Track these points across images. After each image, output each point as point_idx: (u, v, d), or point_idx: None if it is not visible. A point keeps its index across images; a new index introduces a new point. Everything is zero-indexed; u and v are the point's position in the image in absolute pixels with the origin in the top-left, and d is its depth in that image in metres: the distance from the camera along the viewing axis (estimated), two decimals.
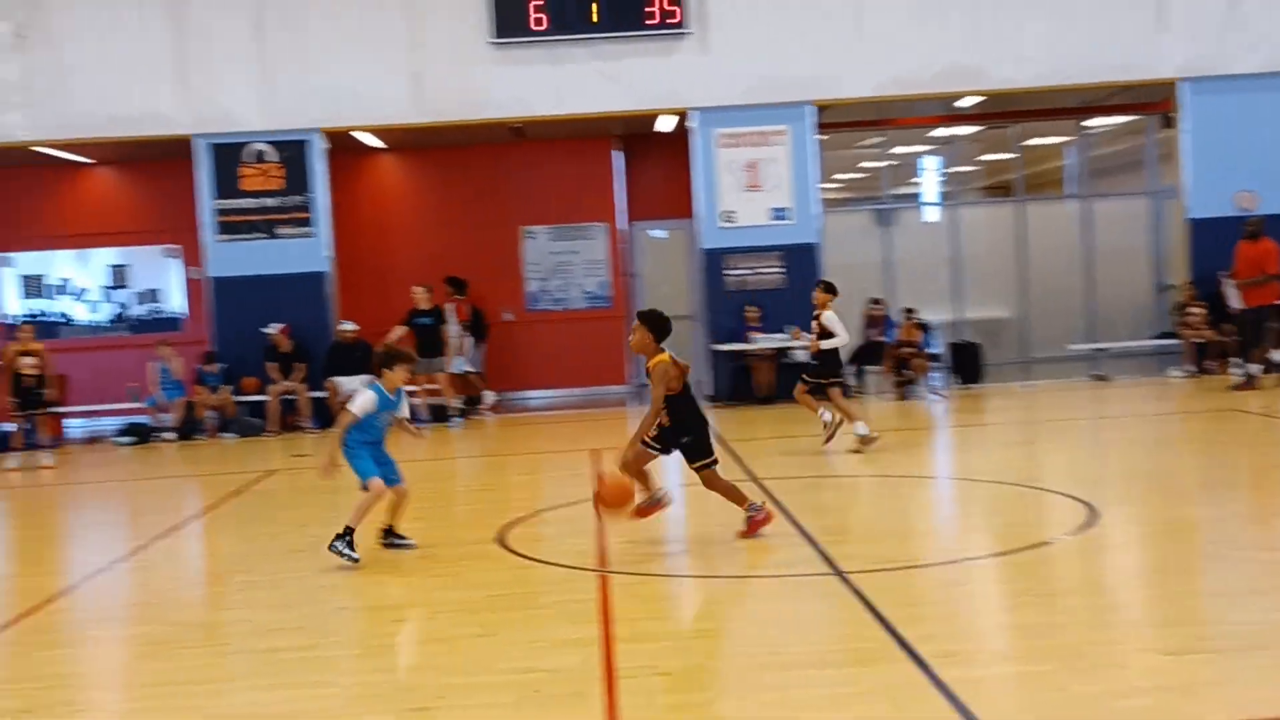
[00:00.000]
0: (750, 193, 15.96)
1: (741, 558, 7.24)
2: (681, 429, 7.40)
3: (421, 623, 6.33)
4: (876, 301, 16.99)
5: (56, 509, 11.41)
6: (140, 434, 15.28)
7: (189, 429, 15.32)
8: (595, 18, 15.37)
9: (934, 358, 16.46)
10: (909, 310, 16.35)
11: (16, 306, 18.17)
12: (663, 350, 7.36)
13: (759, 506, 7.54)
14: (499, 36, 15.35)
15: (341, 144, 16.35)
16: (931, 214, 19.38)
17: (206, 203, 15.73)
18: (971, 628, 5.65)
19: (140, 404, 15.89)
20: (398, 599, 6.83)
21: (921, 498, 9.47)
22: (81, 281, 18.41)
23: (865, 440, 10.92)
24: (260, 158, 15.70)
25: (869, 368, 16.68)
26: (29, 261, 18.19)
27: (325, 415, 15.30)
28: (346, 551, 7.20)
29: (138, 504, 11.43)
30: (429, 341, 15.32)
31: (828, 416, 10.98)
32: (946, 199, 19.50)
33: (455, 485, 11.52)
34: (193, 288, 17.77)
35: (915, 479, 10.11)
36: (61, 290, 18.39)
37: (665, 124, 16.91)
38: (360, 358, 15.50)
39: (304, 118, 15.59)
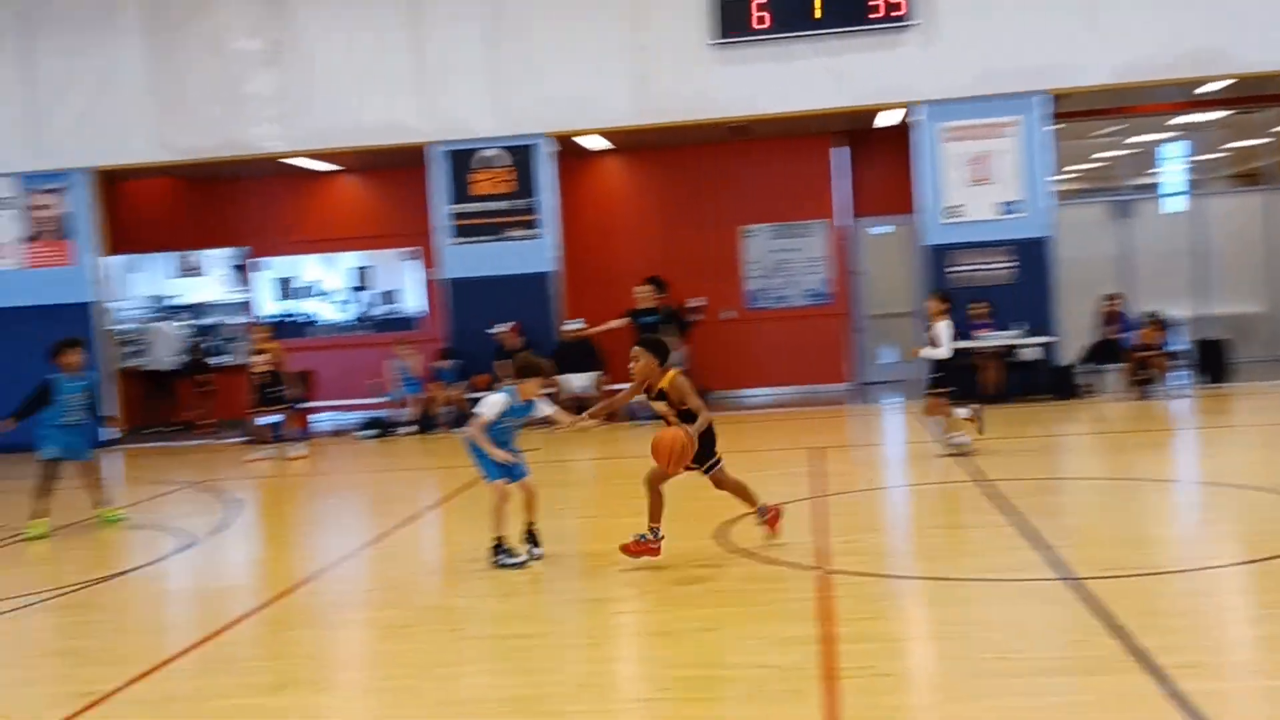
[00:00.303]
0: (977, 186, 15.57)
1: (968, 561, 7.10)
2: (704, 437, 7.33)
3: (645, 615, 6.46)
4: (1112, 297, 16.31)
5: (305, 499, 12.12)
6: (381, 428, 16.05)
7: (426, 423, 16.00)
8: (818, 14, 15.29)
9: (1175, 356, 15.69)
10: (1150, 313, 15.64)
11: (271, 307, 19.38)
12: (666, 371, 7.30)
13: (655, 534, 7.36)
14: (721, 37, 15.45)
15: (567, 147, 16.77)
16: (1173, 204, 18.45)
17: (441, 207, 16.40)
18: (1215, 639, 5.40)
19: (381, 399, 16.70)
20: (621, 592, 6.98)
21: (1161, 502, 9.05)
22: (328, 283, 19.49)
23: (958, 448, 11.03)
24: (491, 163, 16.26)
25: (1104, 366, 16.02)
26: (282, 265, 19.38)
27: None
28: (510, 561, 7.37)
29: (379, 494, 12.03)
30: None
31: (964, 412, 11.10)
32: (1190, 189, 18.53)
33: (676, 482, 11.63)
34: (429, 288, 18.58)
35: (1155, 482, 9.68)
36: (310, 292, 19.52)
37: (888, 118, 16.66)
38: (585, 356, 15.91)
39: (532, 123, 16.06)
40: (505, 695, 5.11)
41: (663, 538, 7.33)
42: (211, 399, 18.16)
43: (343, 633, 6.49)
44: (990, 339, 15.33)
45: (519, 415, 7.59)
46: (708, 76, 15.63)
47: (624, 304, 16.13)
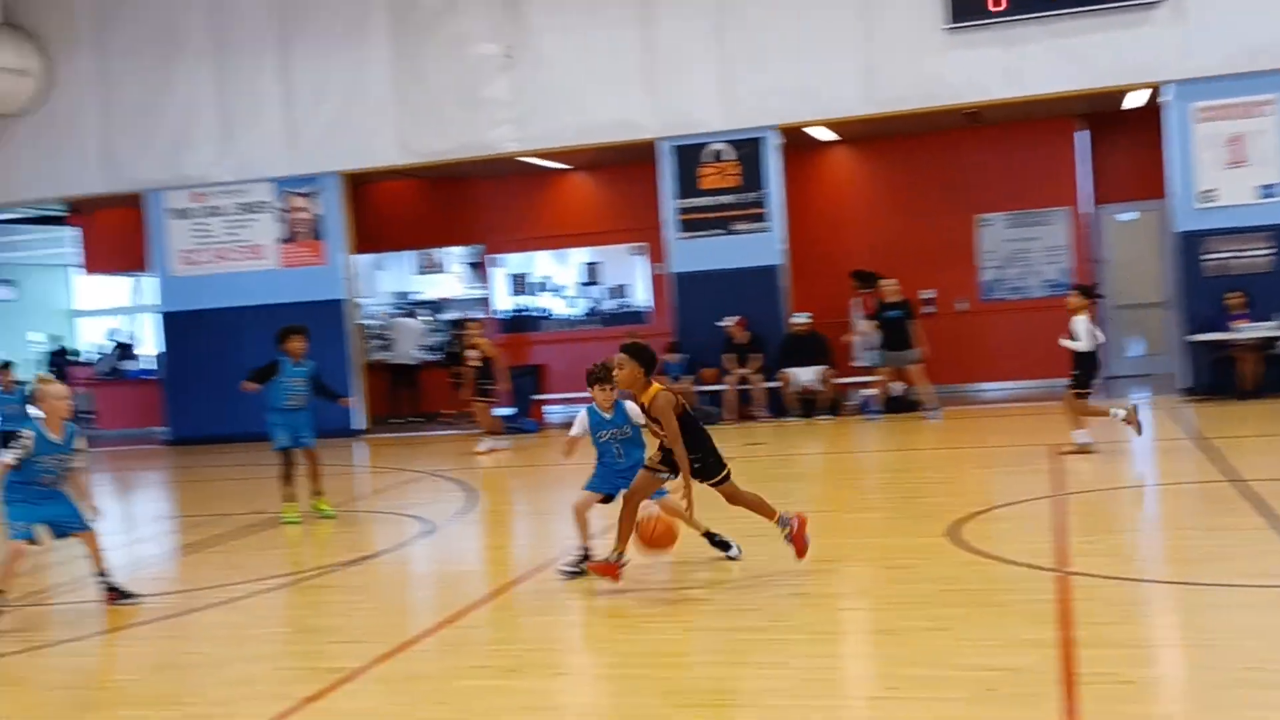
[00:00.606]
0: (1233, 169, 14.67)
1: (1219, 565, 6.70)
2: (704, 449, 6.90)
3: (873, 613, 6.37)
4: None
5: (537, 487, 12.46)
6: None
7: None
8: None
9: None
10: None
11: (505, 303, 20.01)
12: (651, 383, 6.83)
13: (789, 519, 6.95)
14: (954, 22, 15.05)
15: (794, 139, 16.66)
16: None
17: (669, 202, 16.56)
18: None
19: None
20: (850, 588, 6.90)
21: None
22: (560, 278, 19.97)
23: (1083, 449, 10.75)
24: (718, 157, 16.32)
25: None
26: (516, 261, 19.97)
27: (779, 405, 15.69)
28: (571, 571, 7.15)
29: None
30: (897, 335, 15.17)
31: (1120, 413, 10.71)
32: None
33: (908, 478, 11.45)
34: (656, 283, 18.80)
35: None
36: (542, 287, 20.05)
37: (1134, 100, 15.88)
38: (813, 349, 15.78)
39: (760, 116, 16.03)
40: (731, 687, 5.14)
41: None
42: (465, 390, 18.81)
43: (575, 619, 6.64)
44: (1248, 330, 14.42)
45: (611, 427, 7.24)
46: (939, 63, 15.25)
47: (852, 297, 15.93)
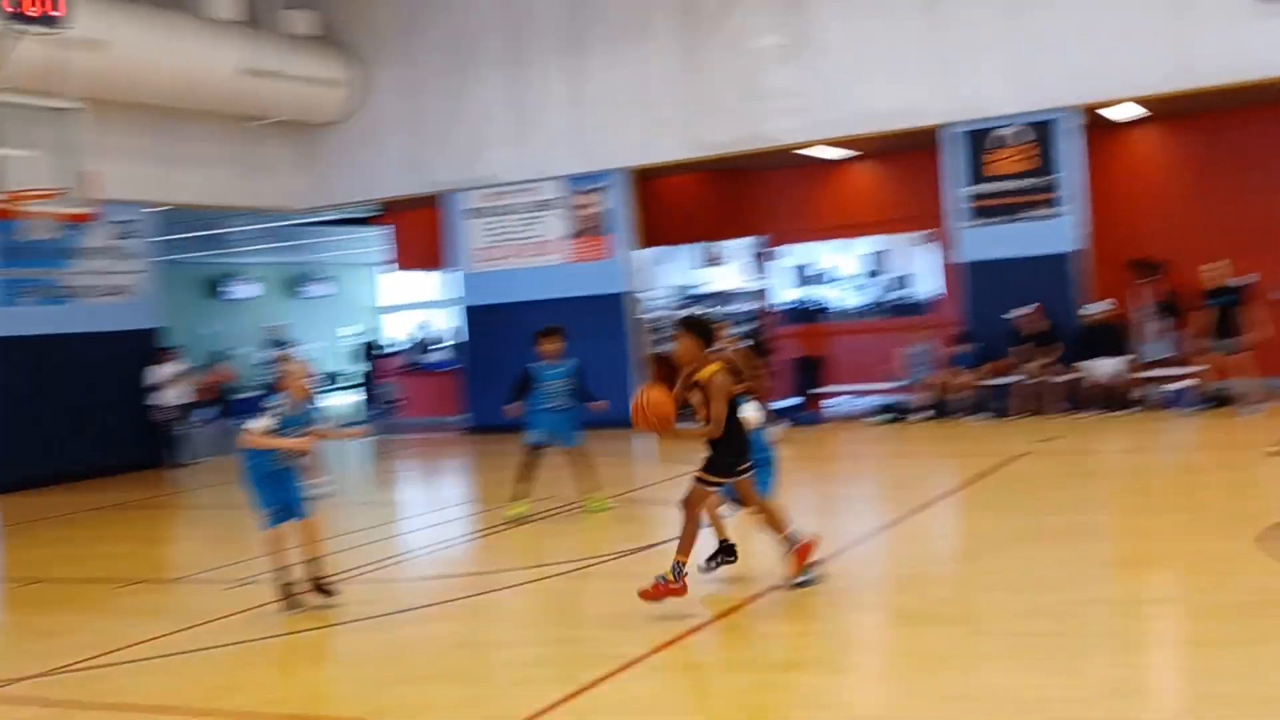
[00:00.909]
0: None
1: None
2: (725, 446, 6.39)
3: (1180, 622, 5.97)
4: None
5: (819, 481, 12.34)
6: (895, 413, 16.02)
7: (941, 409, 15.77)
8: None
9: None
10: None
11: (787, 294, 19.93)
12: (709, 360, 6.27)
13: (677, 572, 6.35)
14: None
15: (1092, 119, 15.81)
16: None
17: (957, 189, 16.05)
18: None
19: (895, 384, 16.65)
20: (1154, 595, 6.50)
21: None
22: (843, 269, 19.72)
23: None
24: (1010, 141, 15.69)
25: None
26: (798, 252, 19.86)
27: (1075, 398, 14.96)
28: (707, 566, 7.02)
29: (894, 479, 12.02)
30: (1228, 321, 14.13)
31: None
32: None
33: (1218, 478, 10.67)
34: (944, 272, 18.26)
35: None
36: (824, 278, 19.85)
37: None
38: (1111, 340, 14.95)
39: (1055, 97, 15.29)
40: (1024, 695, 4.91)
41: (686, 574, 6.48)
42: (767, 382, 18.88)
43: (857, 616, 6.52)
44: None
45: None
46: (1259, 33, 14.10)
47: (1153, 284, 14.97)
